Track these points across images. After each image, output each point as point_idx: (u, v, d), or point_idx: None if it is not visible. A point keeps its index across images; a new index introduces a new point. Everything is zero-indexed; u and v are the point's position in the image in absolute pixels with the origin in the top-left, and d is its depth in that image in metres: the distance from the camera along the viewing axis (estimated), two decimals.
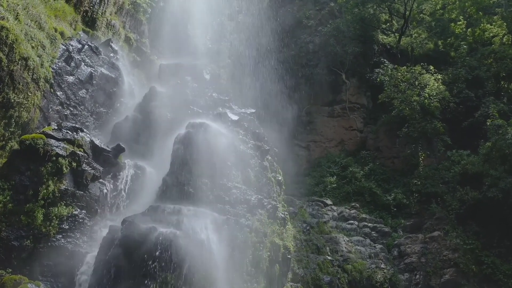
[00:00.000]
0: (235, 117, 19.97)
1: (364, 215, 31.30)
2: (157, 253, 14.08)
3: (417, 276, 26.09)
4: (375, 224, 30.45)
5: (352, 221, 30.30)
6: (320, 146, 40.50)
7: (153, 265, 14.03)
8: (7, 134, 16.81)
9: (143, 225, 14.37)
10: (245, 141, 19.52)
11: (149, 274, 13.94)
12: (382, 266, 26.28)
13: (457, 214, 28.07)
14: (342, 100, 41.73)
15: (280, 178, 22.37)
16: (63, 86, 19.72)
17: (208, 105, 21.89)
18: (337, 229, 29.11)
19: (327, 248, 26.34)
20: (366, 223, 30.38)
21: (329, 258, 25.11)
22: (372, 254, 27.23)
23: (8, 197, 14.99)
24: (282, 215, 20.27)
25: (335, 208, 32.08)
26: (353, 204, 32.56)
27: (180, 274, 14.16)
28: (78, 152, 16.78)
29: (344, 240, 27.55)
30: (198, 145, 17.24)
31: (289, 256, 18.93)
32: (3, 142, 16.70)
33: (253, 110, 22.91)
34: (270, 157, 21.58)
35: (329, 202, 32.45)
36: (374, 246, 28.14)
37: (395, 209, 32.12)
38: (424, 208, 31.21)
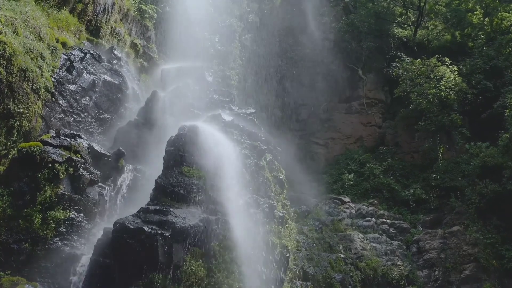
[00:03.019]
0: (229, 118, 20.07)
1: (382, 212, 30.90)
2: (144, 253, 14.42)
3: (436, 272, 25.66)
4: (393, 221, 29.98)
5: (369, 218, 29.91)
6: (338, 143, 40.19)
7: (141, 265, 14.36)
8: (9, 143, 17.51)
9: (131, 227, 14.68)
10: (240, 142, 19.59)
11: (137, 274, 14.29)
12: (399, 263, 25.85)
13: (477, 208, 27.41)
14: (360, 96, 41.32)
15: (281, 177, 22.29)
16: (65, 94, 20.34)
17: (208, 107, 22.10)
18: (352, 227, 28.73)
19: (340, 246, 26.02)
20: (384, 220, 29.96)
21: (341, 256, 24.78)
22: (388, 251, 26.82)
23: (7, 203, 15.65)
24: (280, 214, 20.19)
25: (352, 205, 31.77)
26: (371, 200, 32.19)
27: (167, 274, 14.44)
28: (75, 158, 17.30)
29: (359, 238, 27.15)
30: (189, 147, 17.45)
31: (287, 255, 18.84)
32: (6, 151, 17.43)
33: (253, 110, 22.95)
34: (271, 157, 21.54)
35: (347, 199, 32.15)
36: (391, 243, 27.69)
37: (414, 204, 31.64)
38: (443, 203, 30.60)
